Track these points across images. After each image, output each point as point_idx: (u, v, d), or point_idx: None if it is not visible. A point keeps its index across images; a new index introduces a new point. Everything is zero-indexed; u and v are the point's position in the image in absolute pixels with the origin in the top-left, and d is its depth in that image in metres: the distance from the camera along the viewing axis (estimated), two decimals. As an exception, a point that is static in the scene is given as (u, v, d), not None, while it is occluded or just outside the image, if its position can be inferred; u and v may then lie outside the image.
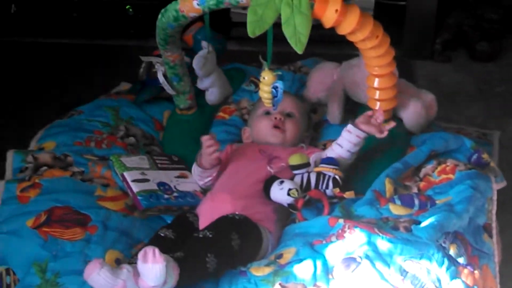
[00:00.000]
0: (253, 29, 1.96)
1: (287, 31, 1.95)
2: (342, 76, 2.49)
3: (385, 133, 2.19)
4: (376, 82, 2.24)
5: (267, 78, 2.05)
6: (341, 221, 1.95)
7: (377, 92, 2.26)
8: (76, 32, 3.88)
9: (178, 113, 2.57)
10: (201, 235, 1.92)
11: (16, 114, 3.16)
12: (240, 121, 2.59)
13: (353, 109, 2.50)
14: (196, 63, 2.38)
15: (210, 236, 1.91)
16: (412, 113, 2.36)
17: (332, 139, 2.43)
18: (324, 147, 2.43)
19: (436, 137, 2.29)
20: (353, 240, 1.86)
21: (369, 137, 2.24)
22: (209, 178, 2.28)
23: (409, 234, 1.90)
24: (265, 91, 2.08)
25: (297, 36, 1.95)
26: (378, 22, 2.09)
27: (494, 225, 2.08)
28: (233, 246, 1.92)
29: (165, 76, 2.47)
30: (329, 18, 1.99)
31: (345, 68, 2.50)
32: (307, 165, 2.17)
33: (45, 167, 2.25)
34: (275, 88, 2.03)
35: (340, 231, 1.92)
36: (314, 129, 2.55)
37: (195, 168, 2.29)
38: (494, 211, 2.11)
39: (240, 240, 1.93)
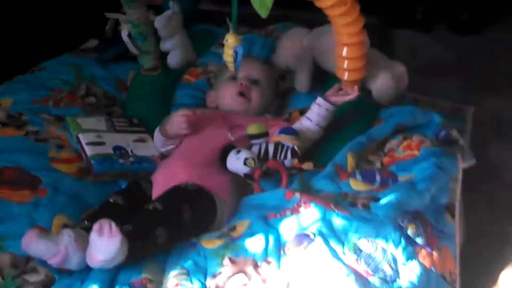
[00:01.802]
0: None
1: (251, -7, 1.88)
2: (311, 43, 2.42)
3: (354, 95, 2.14)
4: (344, 51, 2.17)
5: (229, 41, 1.98)
6: (297, 195, 1.89)
7: (345, 62, 2.19)
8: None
9: (142, 74, 2.49)
10: (151, 207, 1.85)
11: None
12: (206, 85, 2.52)
13: (322, 77, 2.43)
14: (158, 23, 2.30)
15: (160, 208, 1.85)
16: (381, 85, 2.29)
17: (298, 108, 2.37)
18: (289, 116, 2.37)
19: (404, 111, 2.23)
20: (308, 215, 1.80)
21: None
22: (171, 146, 2.21)
23: (367, 212, 1.84)
24: (228, 54, 2.01)
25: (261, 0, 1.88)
26: (347, -11, 2.01)
27: (457, 205, 2.02)
28: (184, 218, 1.86)
29: (129, 35, 2.38)
30: (296, -19, 1.91)
31: (315, 35, 2.42)
32: (265, 134, 2.10)
33: (-1, 125, 2.18)
34: (236, 52, 1.95)
35: (295, 206, 1.86)
36: (281, 96, 2.47)
37: (157, 135, 2.22)
38: (458, 191, 2.04)
39: (192, 212, 1.87)
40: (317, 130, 2.15)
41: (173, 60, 2.45)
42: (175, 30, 2.36)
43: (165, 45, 2.41)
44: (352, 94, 2.15)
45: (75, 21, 3.21)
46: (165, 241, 1.80)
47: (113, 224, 1.70)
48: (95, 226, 1.70)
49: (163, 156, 2.22)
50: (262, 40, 2.66)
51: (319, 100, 2.15)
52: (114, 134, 2.21)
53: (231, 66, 2.02)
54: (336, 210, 1.80)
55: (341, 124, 2.24)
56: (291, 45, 2.46)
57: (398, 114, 2.23)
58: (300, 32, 2.48)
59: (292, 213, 1.84)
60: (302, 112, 2.36)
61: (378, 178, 2.01)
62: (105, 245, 1.69)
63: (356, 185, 1.98)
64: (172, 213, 1.85)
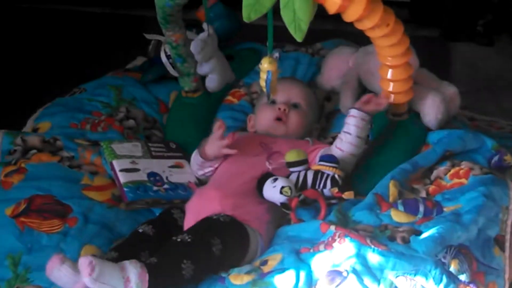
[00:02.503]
0: (248, 13, 1.81)
1: (285, 16, 1.80)
2: (357, 63, 2.33)
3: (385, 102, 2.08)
4: (389, 73, 2.07)
5: (264, 65, 1.91)
6: (332, 228, 1.80)
7: (391, 84, 2.09)
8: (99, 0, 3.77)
9: (183, 96, 2.44)
10: (179, 239, 1.79)
11: (25, 88, 3.05)
12: (249, 107, 2.45)
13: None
14: (194, 47, 2.23)
15: (189, 240, 1.78)
16: (430, 107, 2.18)
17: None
18: (333, 140, 2.27)
19: (453, 136, 2.12)
20: (342, 251, 1.72)
21: (377, 130, 2.12)
22: (210, 169, 2.15)
23: (406, 247, 1.74)
24: (262, 79, 1.94)
25: (296, 23, 1.80)
26: (389, 9, 1.92)
27: (508, 237, 1.91)
28: (214, 251, 1.79)
29: (169, 56, 2.34)
30: (332, 2, 1.83)
31: (361, 54, 2.33)
32: (304, 162, 2.02)
33: (34, 151, 2.16)
34: (267, 77, 1.88)
35: (330, 239, 1.77)
36: (326, 118, 2.39)
37: (195, 157, 2.17)
38: (510, 222, 1.93)
39: (223, 245, 1.81)
40: (359, 143, 2.07)
41: (211, 84, 2.38)
42: (211, 53, 2.29)
43: (202, 69, 2.34)
44: (383, 102, 2.07)
45: (125, 39, 3.21)
46: (191, 276, 1.74)
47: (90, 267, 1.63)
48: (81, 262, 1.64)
49: (200, 182, 2.16)
50: (309, 58, 2.58)
51: (353, 111, 2.08)
52: (149, 160, 2.17)
53: (264, 91, 1.96)
54: (372, 246, 1.71)
55: (386, 149, 2.14)
56: (337, 66, 2.38)
57: (446, 139, 2.11)
58: (346, 51, 2.40)
59: (325, 248, 1.76)
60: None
61: (421, 209, 1.91)
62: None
63: (398, 216, 1.89)
64: (200, 246, 1.79)
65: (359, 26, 1.92)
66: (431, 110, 2.18)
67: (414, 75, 2.12)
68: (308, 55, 2.59)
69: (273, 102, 2.24)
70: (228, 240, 1.82)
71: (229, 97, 2.49)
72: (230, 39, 2.65)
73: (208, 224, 1.86)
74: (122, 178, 2.06)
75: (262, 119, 2.24)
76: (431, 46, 3.00)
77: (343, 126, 2.28)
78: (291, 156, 2.02)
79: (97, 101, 2.42)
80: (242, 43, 2.67)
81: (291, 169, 2.03)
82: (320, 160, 2.02)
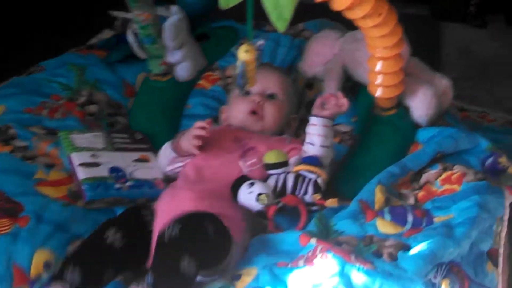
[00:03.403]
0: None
1: (267, 3, 1.66)
2: (343, 50, 2.18)
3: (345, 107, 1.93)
4: (378, 66, 1.93)
5: (239, 53, 1.75)
6: (313, 241, 1.67)
7: (379, 77, 1.95)
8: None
9: (151, 79, 2.28)
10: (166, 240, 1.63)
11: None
12: (222, 92, 2.29)
13: (354, 87, 2.19)
14: (168, 34, 2.04)
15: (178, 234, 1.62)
16: (421, 102, 2.04)
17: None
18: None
19: (445, 135, 1.98)
20: (323, 268, 1.58)
21: (362, 126, 2.00)
22: (180, 164, 2.00)
23: (393, 265, 1.61)
24: (236, 67, 1.79)
25: (278, 10, 1.66)
26: (383, -4, 1.77)
27: (501, 251, 1.79)
28: (209, 234, 1.65)
29: (136, 35, 2.17)
30: (319, -10, 1.68)
31: (348, 40, 2.17)
32: (284, 164, 1.88)
33: (-16, 139, 2.00)
34: (240, 69, 1.73)
35: (310, 254, 1.64)
36: (306, 108, 2.24)
37: (166, 150, 2.02)
38: (503, 234, 1.81)
39: (215, 229, 1.68)
40: (326, 153, 1.92)
41: (183, 72, 2.18)
42: (184, 38, 2.10)
43: (173, 57, 2.15)
44: (344, 103, 1.93)
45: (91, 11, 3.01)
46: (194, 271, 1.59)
47: None
48: None
49: (167, 179, 2.01)
50: (290, 40, 2.41)
51: (313, 119, 1.93)
52: (112, 153, 2.00)
53: (252, 79, 1.80)
54: (357, 264, 1.58)
55: (372, 148, 2.00)
56: (321, 51, 2.22)
57: (438, 138, 1.98)
58: (332, 35, 2.24)
59: (305, 263, 1.62)
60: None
61: (410, 218, 1.77)
62: None
63: (384, 226, 1.75)
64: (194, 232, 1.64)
65: (349, 15, 1.78)
66: (422, 105, 2.04)
67: (404, 66, 1.98)
68: (289, 37, 2.42)
69: (247, 93, 2.08)
70: (217, 231, 1.70)
71: (202, 82, 2.33)
72: (205, 16, 2.48)
73: (195, 214, 1.72)
74: (81, 173, 1.90)
75: (236, 112, 2.09)
76: (420, 25, 2.84)
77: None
78: (270, 158, 1.88)
79: (57, 83, 2.24)
80: (219, 20, 2.50)
81: (270, 172, 1.88)
82: (301, 162, 1.88)
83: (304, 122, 2.18)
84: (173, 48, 2.06)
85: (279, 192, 1.85)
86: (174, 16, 2.02)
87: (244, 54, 1.72)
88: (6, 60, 2.65)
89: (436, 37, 3.10)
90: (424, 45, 2.59)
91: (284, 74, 2.18)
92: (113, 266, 1.66)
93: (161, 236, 1.64)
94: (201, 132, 1.91)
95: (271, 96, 2.09)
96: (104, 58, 2.37)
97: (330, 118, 1.92)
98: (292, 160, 1.92)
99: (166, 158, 2.03)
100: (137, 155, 2.04)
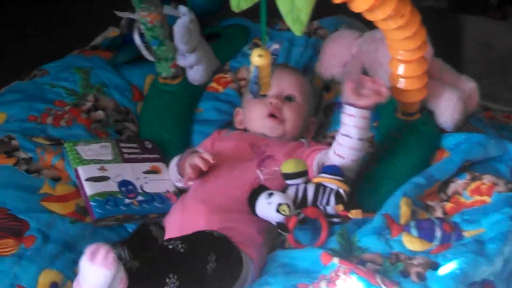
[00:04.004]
0: (237, 2, 1.58)
1: (282, 5, 1.57)
2: (362, 51, 2.09)
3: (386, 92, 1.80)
4: (401, 69, 1.84)
5: (252, 57, 1.66)
6: (335, 260, 1.59)
7: (402, 81, 1.86)
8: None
9: (160, 82, 2.19)
10: (170, 246, 1.57)
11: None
12: (236, 96, 2.20)
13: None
14: (180, 37, 1.94)
15: (182, 251, 1.55)
16: (446, 107, 1.96)
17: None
18: (333, 140, 2.05)
19: (473, 142, 1.89)
20: (347, 291, 1.51)
21: (384, 132, 1.92)
22: (190, 183, 1.92)
23: (422, 285, 1.55)
24: (250, 71, 1.71)
25: (295, 13, 1.57)
26: (406, -5, 1.68)
27: (537, 267, 1.71)
28: (208, 270, 1.57)
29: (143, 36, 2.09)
30: (339, -9, 1.59)
31: (367, 41, 2.09)
32: (303, 174, 1.80)
33: (-15, 151, 1.92)
34: (253, 74, 1.65)
35: (332, 275, 1.57)
36: (324, 112, 2.16)
37: (173, 168, 1.94)
38: (539, 248, 1.73)
39: (217, 264, 1.58)
40: (362, 146, 1.83)
41: (197, 76, 2.08)
42: (197, 41, 2.01)
43: (186, 61, 2.04)
44: (384, 91, 1.80)
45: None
46: None
47: (112, 254, 1.43)
48: (89, 250, 1.44)
49: (180, 191, 1.94)
50: (305, 39, 2.33)
51: (350, 109, 1.80)
52: (121, 165, 1.92)
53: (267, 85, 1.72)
54: (384, 286, 1.51)
55: (395, 156, 1.92)
56: (338, 52, 2.14)
57: (465, 146, 1.89)
58: (349, 35, 2.15)
59: (327, 286, 1.55)
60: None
61: (438, 233, 1.70)
62: (93, 274, 1.43)
63: (411, 243, 1.68)
64: (194, 260, 1.56)
65: (369, 17, 1.69)
66: (447, 110, 1.96)
67: (428, 68, 1.90)
68: (304, 35, 2.34)
69: (263, 95, 1.99)
70: (223, 261, 1.60)
71: (213, 84, 2.24)
72: (215, 14, 2.40)
73: (204, 237, 1.63)
74: (89, 189, 1.83)
75: (252, 116, 2.00)
76: (438, 19, 2.75)
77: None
78: (288, 167, 1.80)
79: (61, 87, 2.16)
80: (229, 19, 2.41)
81: (288, 182, 1.80)
82: (322, 172, 1.80)
83: (323, 127, 2.11)
84: (185, 52, 1.97)
85: (299, 204, 1.78)
86: (184, 17, 1.92)
87: (257, 59, 1.64)
88: (6, 62, 2.56)
89: (455, 31, 3.01)
90: (443, 40, 2.51)
91: (301, 75, 2.10)
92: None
93: (161, 246, 1.59)
94: (200, 164, 1.82)
95: (288, 98, 2.01)
96: (109, 59, 2.29)
97: (369, 108, 1.81)
98: (315, 163, 1.84)
99: (173, 176, 1.95)
100: (147, 166, 1.96)
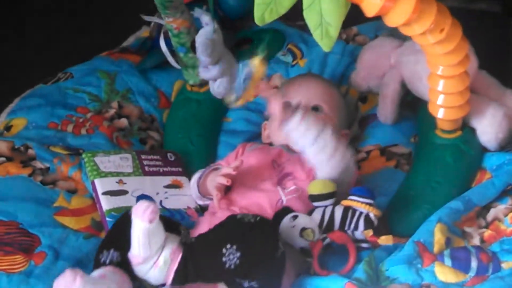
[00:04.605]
0: (261, 14, 1.51)
1: (309, 19, 1.49)
2: (401, 61, 1.98)
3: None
4: (441, 85, 1.74)
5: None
6: (360, 292, 1.50)
7: (441, 97, 1.76)
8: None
9: (187, 90, 2.12)
10: (238, 216, 1.53)
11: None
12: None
13: (414, 102, 2.00)
14: (203, 49, 1.84)
15: (252, 221, 1.50)
16: (490, 125, 1.85)
17: (380, 145, 1.96)
18: (367, 156, 1.96)
19: (516, 163, 1.78)
20: (372, 329, 1.42)
21: (420, 151, 1.83)
22: (210, 201, 1.84)
23: (453, 324, 1.44)
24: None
25: (323, 28, 1.49)
26: (444, 7, 1.57)
27: None
28: (276, 254, 1.49)
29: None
30: (371, 3, 1.49)
31: (407, 51, 1.98)
32: (331, 195, 1.71)
33: (2, 159, 1.87)
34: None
35: (356, 308, 1.47)
36: (359, 124, 2.06)
37: (194, 185, 1.86)
38: None
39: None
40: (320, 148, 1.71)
41: (221, 89, 1.96)
42: (221, 52, 1.91)
43: (209, 73, 1.93)
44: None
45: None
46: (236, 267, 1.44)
47: (151, 207, 1.44)
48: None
49: (202, 209, 1.86)
50: (342, 46, 2.23)
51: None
52: (141, 178, 1.85)
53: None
54: (410, 323, 1.41)
55: (430, 178, 1.81)
56: (376, 62, 2.04)
57: (509, 167, 1.78)
58: (388, 44, 2.05)
59: (350, 320, 1.46)
60: (384, 151, 1.96)
61: (474, 264, 1.59)
62: (134, 227, 1.47)
63: (443, 274, 1.58)
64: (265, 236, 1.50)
65: (406, 31, 1.59)
66: (490, 128, 1.85)
67: (470, 82, 1.79)
68: (341, 42, 2.24)
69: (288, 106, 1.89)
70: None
71: (244, 92, 2.16)
72: (248, 17, 2.31)
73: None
74: (105, 204, 1.76)
75: (275, 131, 1.90)
76: (490, 24, 2.63)
77: (379, 137, 1.98)
78: (315, 188, 1.71)
79: (84, 92, 2.11)
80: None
81: (315, 204, 1.71)
82: (351, 194, 1.70)
83: (357, 140, 2.02)
84: (208, 64, 1.88)
85: (325, 227, 1.68)
86: (207, 27, 1.83)
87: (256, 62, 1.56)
88: (32, 64, 2.51)
89: (509, 38, 2.88)
90: (494, 47, 2.40)
91: (330, 85, 1.99)
92: None
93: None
94: (223, 181, 1.74)
95: (315, 109, 1.91)
96: (137, 64, 2.22)
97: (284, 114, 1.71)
98: None
99: (194, 194, 1.88)
100: (168, 180, 1.88)
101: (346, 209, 1.69)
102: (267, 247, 1.47)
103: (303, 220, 1.64)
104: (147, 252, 1.48)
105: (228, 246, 1.45)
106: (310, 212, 1.70)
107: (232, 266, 1.44)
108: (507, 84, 1.99)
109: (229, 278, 1.46)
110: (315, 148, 1.69)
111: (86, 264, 1.68)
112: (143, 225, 1.45)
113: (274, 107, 1.68)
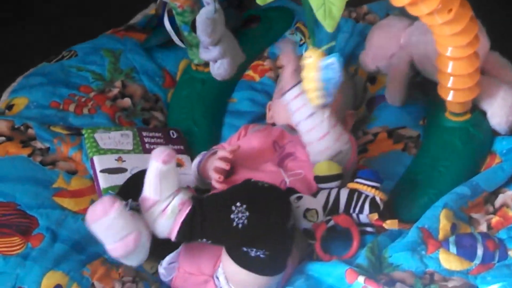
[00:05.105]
0: (265, -8, 1.47)
1: None
2: (411, 42, 1.94)
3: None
4: (450, 67, 1.70)
5: (312, 59, 1.54)
6: (360, 280, 1.48)
7: (450, 79, 1.72)
8: None
9: (192, 69, 2.09)
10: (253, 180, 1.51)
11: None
12: (273, 86, 2.08)
13: (424, 84, 1.96)
14: (203, 28, 1.81)
15: (266, 186, 1.49)
16: (500, 108, 1.81)
17: (386, 126, 1.93)
18: (374, 138, 1.92)
19: (528, 148, 1.75)
20: (371, 315, 1.40)
21: (428, 134, 1.81)
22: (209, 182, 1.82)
23: (456, 313, 1.41)
24: (310, 80, 1.58)
25: (326, 7, 1.46)
26: (453, -14, 1.54)
27: None
28: (288, 227, 1.48)
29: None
30: (377, -18, 1.46)
31: (417, 32, 1.94)
32: (337, 177, 1.68)
33: (2, 138, 1.85)
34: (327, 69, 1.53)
35: (357, 296, 1.45)
36: (367, 106, 2.03)
37: (195, 168, 1.84)
38: None
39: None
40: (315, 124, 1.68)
41: (222, 70, 1.90)
42: (221, 33, 1.87)
43: (210, 54, 1.88)
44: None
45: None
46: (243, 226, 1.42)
47: (170, 150, 1.46)
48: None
49: (202, 190, 1.83)
50: (351, 25, 2.19)
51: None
52: (140, 156, 1.82)
53: (315, 99, 1.59)
54: (411, 312, 1.39)
55: (439, 162, 1.78)
56: (385, 43, 2.00)
57: (517, 153, 1.75)
58: (398, 24, 2.01)
59: (349, 307, 1.44)
60: (392, 134, 1.92)
61: (479, 252, 1.56)
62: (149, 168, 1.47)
63: (448, 261, 1.55)
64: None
65: (413, 11, 1.56)
66: (501, 110, 1.82)
67: (481, 64, 1.75)
68: (351, 20, 2.21)
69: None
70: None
71: (250, 72, 2.14)
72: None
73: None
74: (103, 182, 1.74)
75: (280, 112, 1.86)
76: (504, 2, 2.59)
77: (387, 118, 1.95)
78: (321, 169, 1.68)
79: (88, 71, 2.09)
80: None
81: (320, 186, 1.69)
82: (357, 177, 1.67)
83: (364, 121, 1.99)
84: (209, 44, 1.85)
85: (330, 209, 1.65)
86: (208, 6, 1.80)
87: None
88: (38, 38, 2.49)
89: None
90: (506, 27, 2.35)
91: None
92: None
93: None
94: (222, 165, 1.71)
95: None
96: (142, 42, 2.20)
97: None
98: None
99: (194, 174, 1.85)
100: (169, 158, 1.86)
101: (352, 191, 1.66)
102: (278, 215, 1.45)
103: (307, 201, 1.62)
104: (157, 195, 1.45)
105: (238, 204, 1.43)
106: (314, 194, 1.68)
107: (240, 226, 1.42)
108: (521, 66, 1.95)
109: (236, 240, 1.45)
110: (308, 124, 1.66)
111: (83, 246, 1.66)
112: (156, 165, 1.44)
113: (286, 70, 1.67)
